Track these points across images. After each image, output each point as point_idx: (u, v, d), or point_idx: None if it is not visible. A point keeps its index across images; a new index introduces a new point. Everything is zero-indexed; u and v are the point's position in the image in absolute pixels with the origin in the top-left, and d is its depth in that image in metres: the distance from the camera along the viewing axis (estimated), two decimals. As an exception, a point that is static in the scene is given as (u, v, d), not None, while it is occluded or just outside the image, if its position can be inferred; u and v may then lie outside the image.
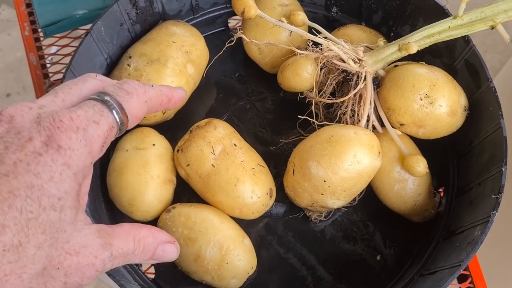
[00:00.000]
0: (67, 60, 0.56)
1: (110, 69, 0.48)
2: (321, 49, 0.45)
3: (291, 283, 0.45)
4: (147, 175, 0.43)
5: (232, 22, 0.57)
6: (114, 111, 0.27)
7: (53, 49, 0.58)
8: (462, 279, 0.47)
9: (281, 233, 0.47)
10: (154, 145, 0.45)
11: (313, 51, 0.45)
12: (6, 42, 1.74)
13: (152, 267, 0.45)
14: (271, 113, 0.52)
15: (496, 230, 1.10)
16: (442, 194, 0.48)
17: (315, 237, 0.47)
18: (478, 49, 0.44)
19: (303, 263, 0.46)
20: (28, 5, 0.58)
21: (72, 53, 0.43)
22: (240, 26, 0.56)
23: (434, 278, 0.38)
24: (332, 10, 0.54)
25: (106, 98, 0.27)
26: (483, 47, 1.63)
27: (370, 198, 0.47)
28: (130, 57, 0.46)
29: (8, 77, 1.70)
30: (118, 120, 0.27)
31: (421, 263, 0.44)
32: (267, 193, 0.44)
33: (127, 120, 0.28)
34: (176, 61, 0.46)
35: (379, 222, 0.47)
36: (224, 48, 0.47)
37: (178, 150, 0.44)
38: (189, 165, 0.43)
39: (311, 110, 0.48)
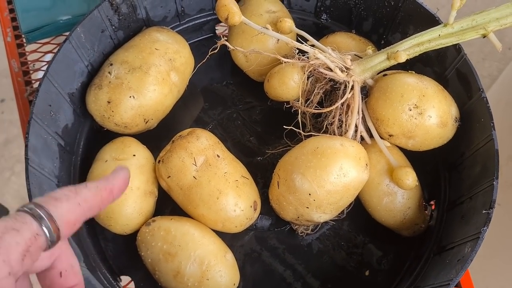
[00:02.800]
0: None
1: (91, 77, 0.46)
2: (308, 57, 0.44)
3: (276, 299, 0.43)
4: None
5: (219, 29, 0.56)
6: (38, 218, 0.25)
7: (34, 56, 0.56)
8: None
9: (267, 247, 0.45)
10: (134, 155, 0.43)
11: (299, 59, 0.43)
12: (0, 47, 1.73)
13: (132, 283, 0.44)
14: (258, 122, 0.51)
15: (492, 242, 1.08)
16: (433, 207, 0.46)
17: (301, 251, 0.45)
18: (476, 57, 0.43)
19: (289, 278, 0.44)
20: (11, 11, 0.57)
21: (48, 63, 0.41)
22: (227, 33, 0.55)
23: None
24: (322, 17, 0.53)
25: (31, 206, 0.25)
26: (481, 55, 1.62)
27: (358, 211, 0.45)
28: (111, 64, 0.45)
29: (3, 82, 1.68)
30: (44, 227, 0.25)
31: (411, 280, 0.42)
32: (251, 206, 0.42)
33: (56, 227, 0.25)
34: (159, 68, 0.45)
35: (368, 236, 0.46)
36: (208, 56, 0.46)
37: (159, 161, 0.43)
38: (169, 176, 0.41)
39: (298, 120, 0.46)
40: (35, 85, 0.54)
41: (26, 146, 0.38)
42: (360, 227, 0.46)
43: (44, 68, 0.54)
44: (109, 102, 0.44)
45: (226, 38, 0.48)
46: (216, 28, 0.55)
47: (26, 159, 0.38)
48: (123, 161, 0.42)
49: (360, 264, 0.45)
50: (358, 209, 0.45)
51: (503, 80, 1.16)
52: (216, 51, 0.45)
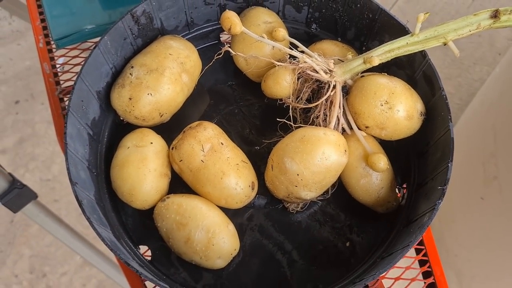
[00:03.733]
0: (76, 69, 0.62)
1: (114, 77, 0.55)
2: (297, 61, 0.52)
3: (270, 265, 0.51)
4: (145, 168, 0.49)
5: (223, 37, 0.64)
6: None
7: (61, 60, 0.64)
8: (421, 262, 0.53)
9: (263, 222, 0.53)
10: (152, 143, 0.51)
11: (290, 63, 0.52)
12: (16, 51, 1.82)
13: (149, 250, 0.52)
14: (257, 117, 0.59)
15: (477, 233, 1.16)
16: (405, 191, 0.54)
17: (292, 226, 0.53)
18: (467, 61, 0.50)
19: (281, 248, 0.52)
20: (43, 20, 0.65)
21: (82, 63, 0.50)
22: (230, 40, 0.63)
23: (389, 258, 0.45)
24: (312, 27, 0.61)
25: None
26: (472, 60, 1.70)
27: (341, 192, 0.53)
28: (132, 67, 0.53)
29: (17, 85, 1.78)
30: None
31: (383, 248, 0.50)
32: (249, 186, 0.50)
33: None
34: (172, 70, 0.53)
35: (349, 214, 0.54)
36: (213, 60, 0.54)
37: (172, 148, 0.51)
38: (181, 160, 0.50)
39: (292, 114, 0.54)
40: (64, 84, 0.62)
41: (65, 133, 0.46)
42: (342, 206, 0.54)
43: (72, 70, 0.63)
44: (130, 99, 0.52)
45: (229, 45, 0.56)
46: (220, 35, 0.64)
47: (65, 143, 0.46)
48: (142, 147, 0.51)
49: (342, 236, 0.53)
50: (341, 190, 0.53)
51: (489, 83, 1.24)
52: (220, 56, 0.53)
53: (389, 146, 0.53)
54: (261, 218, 0.53)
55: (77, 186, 0.44)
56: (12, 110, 1.74)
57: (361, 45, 0.59)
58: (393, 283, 0.52)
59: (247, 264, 0.51)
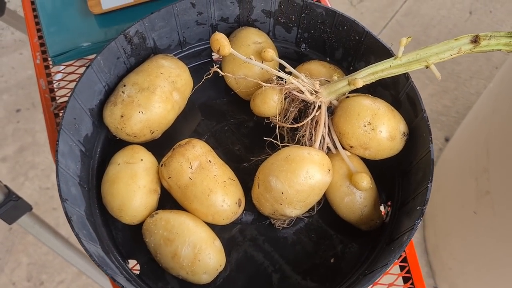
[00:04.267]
0: (72, 85, 0.64)
1: (107, 95, 0.56)
2: (285, 82, 0.53)
3: (256, 280, 0.52)
4: (134, 185, 0.51)
5: (215, 55, 0.66)
6: None
7: (59, 75, 0.66)
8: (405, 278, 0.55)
9: (250, 238, 0.55)
10: (142, 160, 0.53)
11: (277, 84, 0.53)
12: (18, 60, 1.84)
13: (138, 265, 0.53)
14: (246, 134, 0.60)
15: (470, 248, 1.17)
16: (389, 208, 0.56)
17: (278, 242, 0.54)
18: (464, 75, 0.52)
19: (267, 263, 0.53)
20: (40, 37, 0.67)
21: (76, 81, 0.51)
22: (221, 58, 0.65)
23: (370, 276, 0.46)
24: (301, 46, 0.63)
25: None
26: (468, 73, 1.71)
27: (327, 210, 0.55)
28: (124, 85, 0.55)
29: (19, 93, 1.80)
30: None
31: (366, 265, 0.51)
32: (236, 203, 0.52)
33: None
34: (163, 89, 0.55)
35: (334, 231, 0.55)
36: (203, 79, 0.56)
37: (162, 165, 0.52)
38: (170, 177, 0.51)
39: (279, 132, 0.56)
40: (59, 100, 0.64)
41: (56, 151, 0.48)
42: (328, 223, 0.55)
43: (68, 86, 0.65)
44: (122, 116, 0.53)
45: (219, 65, 0.57)
46: (212, 54, 0.65)
47: (57, 161, 0.47)
48: (132, 164, 0.52)
49: (327, 253, 0.54)
50: (326, 208, 0.55)
51: (483, 98, 1.25)
52: (210, 75, 0.55)
53: (374, 165, 0.55)
54: (248, 234, 0.55)
55: (67, 202, 0.46)
56: (13, 119, 1.76)
57: (348, 65, 0.60)
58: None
59: (234, 279, 0.52)
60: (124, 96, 0.54)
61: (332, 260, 0.53)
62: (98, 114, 0.56)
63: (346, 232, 0.55)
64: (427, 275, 1.39)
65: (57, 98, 0.64)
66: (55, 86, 0.64)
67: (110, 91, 0.56)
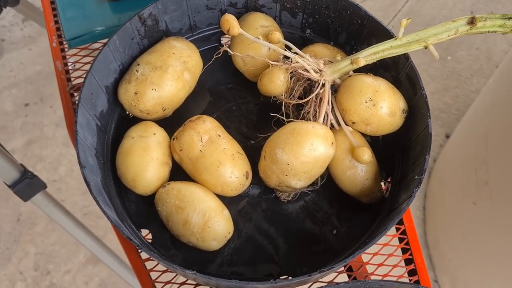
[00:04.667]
0: (86, 67, 0.67)
1: (121, 74, 0.59)
2: (291, 61, 0.56)
3: (262, 250, 0.55)
4: (148, 157, 0.54)
5: (224, 40, 0.69)
6: None
7: (72, 59, 0.69)
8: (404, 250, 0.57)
9: (256, 210, 0.57)
10: (154, 134, 0.56)
11: (284, 63, 0.56)
12: (27, 56, 1.88)
13: (150, 234, 0.56)
14: (253, 114, 0.63)
15: (469, 238, 1.19)
16: (390, 184, 0.58)
17: (283, 214, 0.57)
18: (465, 73, 0.54)
19: (273, 234, 0.56)
20: (56, 22, 0.70)
21: (92, 61, 0.54)
22: (230, 42, 0.68)
23: (370, 243, 0.48)
24: (306, 32, 0.66)
25: None
26: (469, 71, 1.74)
27: (330, 185, 0.57)
28: (138, 64, 0.58)
29: (28, 88, 1.83)
30: None
31: (367, 235, 0.54)
32: (243, 175, 0.54)
33: None
34: (175, 68, 0.58)
35: (336, 204, 0.58)
36: (213, 59, 0.59)
37: (173, 138, 0.55)
38: (181, 150, 0.54)
39: (285, 111, 0.59)
40: (74, 81, 0.67)
41: (76, 122, 0.51)
42: (330, 197, 0.58)
43: (82, 68, 0.68)
44: (136, 93, 0.56)
45: (228, 46, 0.60)
46: (221, 38, 0.68)
47: (76, 131, 0.50)
48: (146, 138, 0.55)
49: (329, 225, 0.56)
50: (329, 183, 0.57)
51: (483, 93, 1.28)
52: (220, 55, 0.58)
53: (375, 143, 0.57)
54: (254, 207, 0.57)
55: (85, 169, 0.49)
56: (21, 113, 1.79)
57: (351, 49, 0.63)
58: (376, 269, 0.56)
59: (241, 248, 0.55)
60: (138, 74, 0.57)
61: (334, 232, 0.56)
62: (113, 92, 0.59)
63: (348, 206, 0.57)
64: (427, 268, 1.41)
65: (72, 79, 0.67)
66: (70, 68, 0.67)
67: (124, 70, 0.59)
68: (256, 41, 0.57)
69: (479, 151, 1.13)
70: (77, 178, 1.67)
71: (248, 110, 0.63)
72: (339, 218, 0.57)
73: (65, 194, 1.65)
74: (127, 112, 0.61)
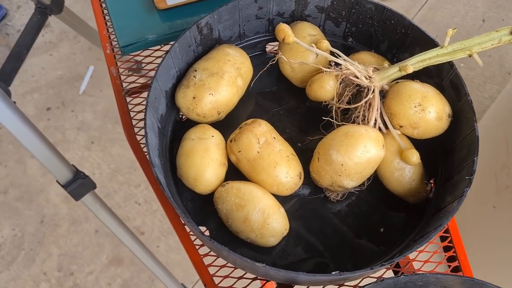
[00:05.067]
0: (139, 72, 0.71)
1: (178, 79, 0.63)
2: (341, 68, 0.60)
3: (313, 246, 0.58)
4: (208, 158, 0.57)
5: (268, 47, 0.72)
6: None
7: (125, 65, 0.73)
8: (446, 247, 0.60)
9: (306, 209, 0.60)
10: (213, 136, 0.59)
11: (334, 70, 0.60)
12: (48, 61, 1.92)
13: (207, 231, 0.59)
14: (299, 118, 0.67)
15: (488, 240, 1.22)
16: (433, 184, 0.61)
17: (332, 213, 0.60)
18: (478, 80, 0.58)
19: (323, 232, 0.59)
20: (108, 30, 0.74)
21: (156, 68, 0.58)
22: (275, 50, 0.72)
23: (423, 239, 0.52)
24: (348, 40, 0.69)
25: None
26: (482, 78, 1.78)
27: (375, 185, 0.60)
28: (195, 71, 0.61)
29: (49, 93, 1.87)
30: None
31: (415, 232, 0.57)
32: (297, 175, 0.58)
33: None
34: (230, 74, 0.61)
35: (382, 203, 0.61)
36: (268, 66, 0.62)
37: (231, 140, 0.59)
38: (240, 151, 0.57)
39: (331, 115, 0.62)
40: (128, 86, 0.70)
41: (145, 125, 0.54)
42: (376, 196, 0.61)
43: (135, 74, 0.71)
44: (194, 98, 0.60)
45: (281, 54, 0.64)
46: (266, 46, 0.72)
47: (146, 133, 0.54)
48: (205, 140, 0.58)
49: (377, 223, 0.60)
50: (375, 183, 0.60)
51: (501, 98, 1.31)
52: (274, 62, 0.61)
53: (418, 145, 0.60)
54: (305, 206, 0.61)
55: (155, 168, 0.52)
56: (43, 117, 1.83)
57: (392, 56, 0.67)
58: (422, 265, 0.59)
59: (293, 245, 0.58)
60: (196, 80, 0.60)
61: (382, 230, 0.59)
62: (170, 96, 0.62)
63: (393, 205, 0.60)
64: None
65: (125, 84, 0.70)
66: (124, 73, 0.71)
67: (181, 76, 0.63)
68: (309, 49, 0.60)
69: (499, 155, 1.16)
70: (99, 181, 1.70)
71: (294, 114, 0.67)
72: (386, 217, 0.60)
73: (87, 196, 1.68)
74: (181, 116, 0.64)
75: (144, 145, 0.65)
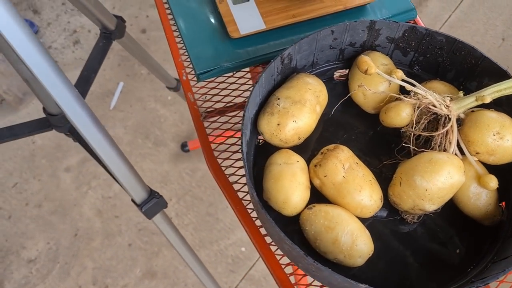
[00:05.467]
0: (215, 98, 0.74)
1: (260, 107, 0.66)
2: (417, 97, 0.63)
3: (393, 266, 0.61)
4: (296, 182, 0.60)
5: (336, 75, 0.76)
6: None
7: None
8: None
9: (383, 230, 0.64)
10: (298, 161, 0.62)
11: (411, 98, 0.63)
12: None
13: (291, 251, 0.62)
14: (370, 142, 0.70)
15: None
16: (504, 207, 0.65)
17: (408, 234, 0.63)
18: None
19: (401, 252, 0.62)
20: (183, 56, 0.78)
21: (247, 98, 0.61)
22: (341, 77, 0.75)
23: (506, 261, 0.55)
24: (414, 68, 0.73)
25: None
26: None
27: (449, 206, 0.64)
28: (278, 99, 0.65)
29: (81, 108, 1.89)
30: None
31: (492, 254, 0.60)
32: (379, 199, 0.61)
33: None
34: (311, 102, 0.65)
35: (456, 225, 0.64)
36: (346, 97, 0.66)
37: (315, 165, 0.62)
38: (326, 176, 0.61)
39: (405, 141, 0.65)
40: (205, 111, 0.74)
41: (242, 150, 0.57)
42: (450, 218, 0.64)
43: (212, 99, 0.75)
44: (278, 124, 0.63)
45: (362, 84, 0.67)
46: (334, 74, 0.75)
47: (244, 158, 0.57)
48: (291, 164, 0.62)
49: (452, 244, 0.63)
50: (448, 205, 0.64)
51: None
52: (353, 92, 0.65)
53: (490, 170, 0.64)
54: (382, 227, 0.64)
55: (255, 194, 0.55)
56: (75, 131, 1.85)
57: (459, 85, 0.70)
58: (497, 285, 0.62)
59: (373, 265, 0.61)
60: (279, 107, 0.64)
61: (457, 251, 0.62)
62: (253, 123, 0.65)
63: (468, 227, 0.64)
64: None
65: (202, 109, 0.74)
66: (200, 99, 0.74)
67: (262, 103, 0.66)
68: (391, 80, 0.64)
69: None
70: (130, 195, 1.73)
71: (365, 139, 0.70)
72: (461, 238, 0.63)
73: (120, 210, 1.71)
74: (259, 140, 0.68)
75: (224, 167, 0.68)
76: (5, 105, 1.91)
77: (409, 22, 0.81)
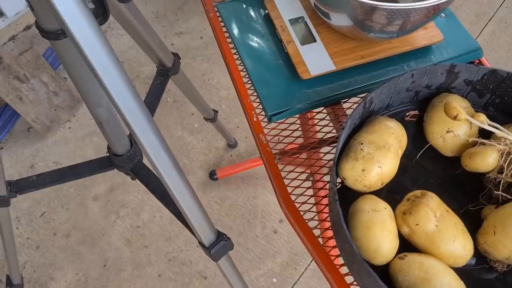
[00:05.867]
0: (287, 140, 0.74)
1: (340, 151, 0.65)
2: (504, 142, 0.62)
3: (487, 318, 0.59)
4: (386, 230, 0.59)
5: (407, 115, 0.75)
6: None
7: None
8: None
9: (472, 278, 0.62)
10: (385, 208, 0.61)
11: (498, 144, 0.62)
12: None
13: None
14: (449, 186, 0.69)
15: None
16: None
17: (498, 283, 0.62)
18: None
19: (494, 303, 0.60)
20: (252, 97, 0.77)
21: (336, 146, 0.61)
22: (412, 118, 0.74)
23: None
24: (489, 110, 0.72)
25: None
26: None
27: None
28: (361, 144, 0.64)
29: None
30: None
31: None
32: (472, 248, 0.60)
33: None
34: (394, 147, 0.64)
35: (547, 273, 0.62)
36: (428, 144, 0.65)
37: (404, 213, 0.61)
38: (417, 224, 0.59)
39: (487, 185, 0.64)
40: (277, 153, 0.73)
41: (336, 201, 0.56)
42: (539, 267, 0.63)
43: (284, 140, 0.74)
44: (363, 170, 0.62)
45: (452, 130, 0.66)
46: (406, 115, 0.75)
47: (338, 210, 0.56)
48: (379, 212, 0.60)
49: (544, 293, 0.61)
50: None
51: None
52: (433, 134, 0.64)
53: None
54: (470, 275, 0.62)
55: (354, 244, 0.54)
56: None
57: (538, 128, 0.69)
58: None
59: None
60: (363, 153, 0.63)
61: (550, 301, 0.61)
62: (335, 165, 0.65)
63: (557, 275, 0.62)
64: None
65: (274, 150, 0.73)
66: (273, 140, 0.73)
67: (342, 147, 0.65)
68: (481, 126, 0.63)
69: None
70: (159, 224, 1.71)
71: (445, 183, 0.69)
72: (552, 287, 0.61)
73: (149, 240, 1.69)
74: (338, 185, 0.67)
75: (303, 212, 0.67)
76: (32, 133, 1.90)
77: (474, 62, 0.81)
